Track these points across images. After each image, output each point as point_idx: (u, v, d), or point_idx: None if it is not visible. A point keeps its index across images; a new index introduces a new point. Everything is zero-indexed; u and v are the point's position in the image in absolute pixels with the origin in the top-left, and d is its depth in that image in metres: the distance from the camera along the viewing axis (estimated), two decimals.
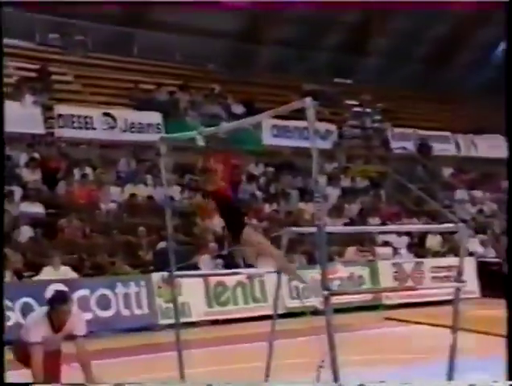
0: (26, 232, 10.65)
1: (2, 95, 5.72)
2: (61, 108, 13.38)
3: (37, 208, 11.38)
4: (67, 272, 9.87)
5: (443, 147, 18.28)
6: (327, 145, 15.89)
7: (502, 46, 23.86)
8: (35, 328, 5.29)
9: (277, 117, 14.35)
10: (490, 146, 18.97)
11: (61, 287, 9.29)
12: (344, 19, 20.94)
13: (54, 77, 14.62)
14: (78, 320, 5.49)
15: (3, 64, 5.86)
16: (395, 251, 13.11)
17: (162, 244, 10.80)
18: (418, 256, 13.20)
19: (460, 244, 6.19)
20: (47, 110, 13.18)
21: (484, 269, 13.04)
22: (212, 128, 6.36)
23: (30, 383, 4.99)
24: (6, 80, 12.56)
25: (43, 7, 16.08)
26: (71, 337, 5.38)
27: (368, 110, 18.27)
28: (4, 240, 8.43)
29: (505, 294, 5.29)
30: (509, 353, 4.36)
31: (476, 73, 22.96)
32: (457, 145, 18.62)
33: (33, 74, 14.28)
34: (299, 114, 4.80)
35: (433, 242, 13.91)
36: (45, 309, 5.47)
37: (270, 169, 15.09)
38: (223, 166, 5.37)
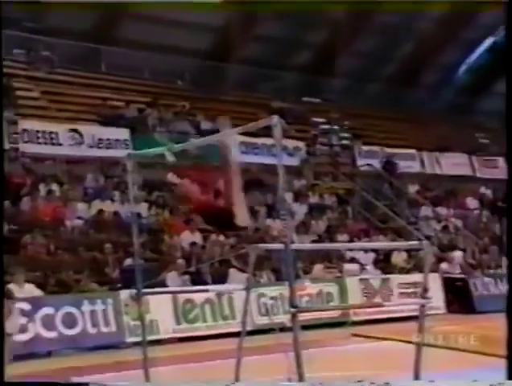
0: None
1: (1, 101, 5.57)
2: (26, 124, 13.22)
3: None
4: (31, 289, 9.68)
5: (408, 164, 18.56)
6: (295, 162, 16.00)
7: (464, 67, 24.50)
8: None
9: (245, 134, 14.35)
10: (454, 164, 19.35)
11: (24, 305, 9.15)
12: (312, 39, 21.25)
13: (19, 93, 14.45)
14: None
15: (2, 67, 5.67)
16: (362, 267, 13.20)
17: (129, 261, 10.69)
18: (384, 272, 13.31)
19: (424, 260, 6.27)
20: (11, 125, 13.00)
21: (449, 285, 13.21)
22: (181, 144, 6.35)
23: (31, 383, 4.86)
24: None
25: (8, 22, 15.93)
26: None
27: (335, 128, 18.49)
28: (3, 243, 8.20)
29: (506, 295, 5.36)
30: (509, 353, 4.40)
31: (441, 93, 23.47)
32: (422, 163, 18.93)
33: None
34: (268, 131, 4.85)
35: (398, 258, 14.06)
36: None
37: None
38: (197, 184, 5.34)
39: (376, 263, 13.71)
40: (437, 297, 12.31)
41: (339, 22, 20.30)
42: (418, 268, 12.49)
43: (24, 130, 13.06)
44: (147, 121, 15.20)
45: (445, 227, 16.43)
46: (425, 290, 5.66)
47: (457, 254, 14.61)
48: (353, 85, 21.67)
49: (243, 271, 10.53)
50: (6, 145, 12.67)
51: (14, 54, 16.14)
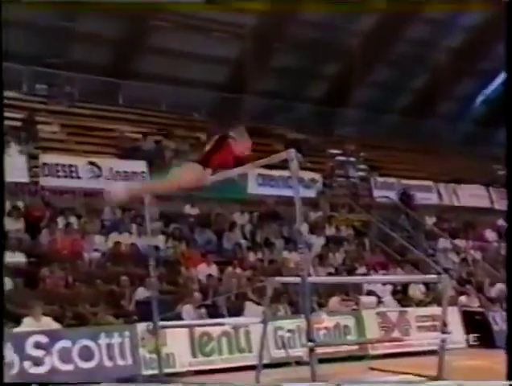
0: (6, 284, 10.52)
1: (2, 135, 5.75)
2: (46, 157, 13.46)
3: (18, 258, 11.30)
4: (48, 322, 9.75)
5: (425, 196, 18.54)
6: (311, 193, 16.06)
7: (480, 98, 24.58)
8: None
9: (262, 165, 14.52)
10: (472, 196, 19.29)
11: (41, 338, 9.22)
12: (327, 70, 21.50)
13: (40, 126, 14.77)
14: None
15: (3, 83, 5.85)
16: (379, 299, 13.14)
17: (145, 294, 10.74)
18: (402, 304, 13.24)
19: (443, 294, 6.27)
20: (32, 159, 13.26)
21: (469, 319, 13.07)
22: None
23: (30, 383, 4.92)
24: None
25: (31, 58, 16.42)
26: None
27: (352, 159, 18.57)
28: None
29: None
30: (509, 353, 4.41)
31: (457, 125, 23.53)
32: (439, 195, 18.90)
33: (19, 123, 14.39)
34: (284, 163, 4.95)
35: (416, 291, 13.98)
36: None
37: (255, 218, 15.18)
38: None
39: (393, 295, 13.64)
40: (457, 331, 12.19)
41: (354, 53, 20.57)
42: (436, 301, 12.41)
43: (44, 164, 13.30)
44: (164, 154, 15.41)
45: (464, 260, 16.32)
46: (444, 324, 5.67)
47: (468, 286, 14.45)
48: (369, 116, 21.83)
49: (260, 304, 10.55)
50: (27, 179, 12.90)
51: (37, 89, 16.57)
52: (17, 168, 12.75)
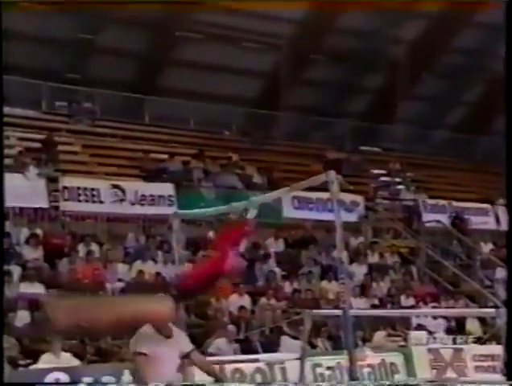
0: (23, 316, 10.73)
1: (2, 163, 5.93)
2: (67, 180, 13.67)
3: (37, 289, 11.50)
4: (68, 359, 9.87)
5: (481, 220, 18.28)
6: (352, 217, 16.01)
7: None
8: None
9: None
10: None
11: (61, 376, 9.34)
12: (370, 83, 21.52)
13: (60, 147, 15.07)
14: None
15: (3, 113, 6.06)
16: (431, 335, 12.96)
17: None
18: (456, 341, 13.02)
19: (502, 330, 6.16)
20: (51, 182, 13.46)
21: None
22: (243, 202, 6.48)
23: (30, 383, 5.02)
24: (8, 151, 13.03)
25: (49, 74, 16.85)
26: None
27: (397, 180, 18.49)
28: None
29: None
30: (509, 353, 4.38)
31: None
32: (497, 218, 18.61)
33: (38, 144, 14.73)
34: (323, 184, 5.01)
35: (473, 326, 13.74)
36: None
37: (291, 244, 15.20)
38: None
39: (447, 331, 13.44)
40: None
41: (399, 64, 20.57)
42: (496, 338, 12.17)
43: (65, 188, 13.45)
44: (192, 175, 15.56)
45: None
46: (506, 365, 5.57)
47: None
48: (416, 132, 21.73)
49: (296, 338, 10.53)
50: (46, 204, 13.14)
51: (56, 107, 16.96)
52: (35, 192, 13.03)
